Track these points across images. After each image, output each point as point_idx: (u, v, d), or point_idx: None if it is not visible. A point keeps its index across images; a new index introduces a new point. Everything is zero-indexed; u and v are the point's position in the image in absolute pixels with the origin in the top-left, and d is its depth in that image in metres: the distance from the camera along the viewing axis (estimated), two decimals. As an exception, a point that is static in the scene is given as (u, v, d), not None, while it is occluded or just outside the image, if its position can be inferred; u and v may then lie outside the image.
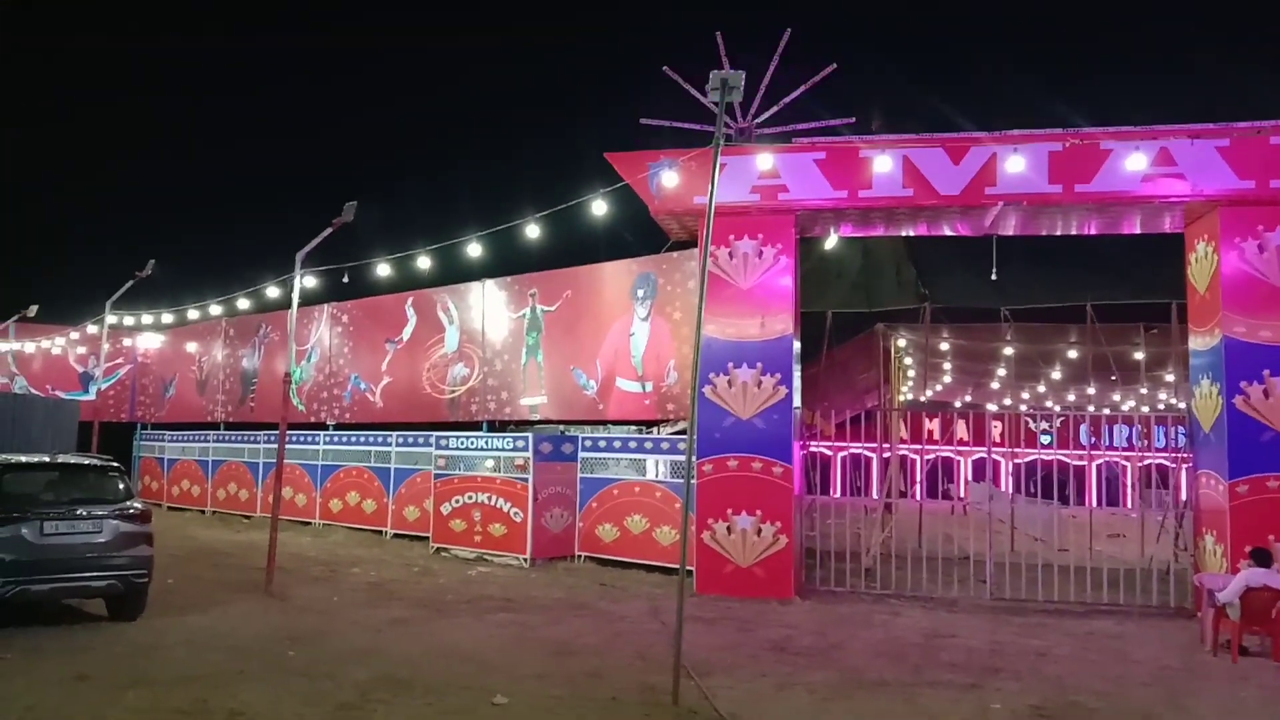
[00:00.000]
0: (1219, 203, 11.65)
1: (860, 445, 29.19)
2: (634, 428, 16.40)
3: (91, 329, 23.93)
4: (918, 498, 22.79)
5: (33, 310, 24.04)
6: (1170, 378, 22.27)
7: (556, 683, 8.07)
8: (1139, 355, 20.83)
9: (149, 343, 27.33)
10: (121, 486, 10.33)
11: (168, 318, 23.66)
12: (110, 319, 20.63)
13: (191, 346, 26.26)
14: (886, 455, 17.92)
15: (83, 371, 27.10)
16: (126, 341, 27.40)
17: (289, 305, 13.60)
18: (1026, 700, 7.93)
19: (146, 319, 24.14)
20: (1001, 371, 24.24)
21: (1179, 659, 9.55)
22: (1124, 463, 31.17)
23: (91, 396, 24.64)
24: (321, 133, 59.23)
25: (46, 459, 10.70)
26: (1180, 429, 12.96)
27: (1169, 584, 12.51)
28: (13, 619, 9.41)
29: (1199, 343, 12.27)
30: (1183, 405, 13.86)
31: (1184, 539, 13.24)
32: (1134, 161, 11.52)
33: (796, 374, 13.00)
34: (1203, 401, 12.06)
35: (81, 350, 26.87)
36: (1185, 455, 12.84)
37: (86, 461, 10.83)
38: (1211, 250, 11.85)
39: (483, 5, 65.18)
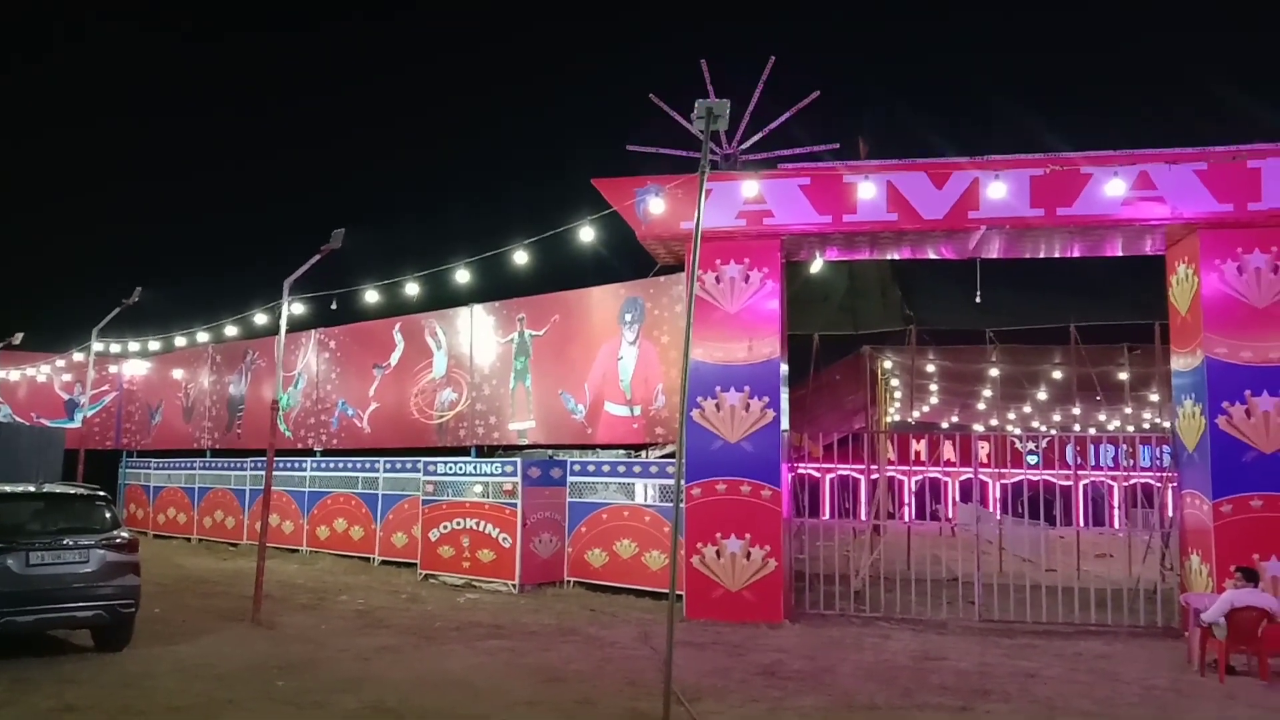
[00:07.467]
0: (1198, 225, 11.81)
1: (848, 467, 29.27)
2: (622, 452, 16.40)
3: (78, 356, 23.85)
4: (906, 519, 22.87)
5: (18, 338, 23.94)
6: (1155, 397, 22.43)
7: (547, 710, 8.06)
8: (1123, 375, 20.97)
9: (135, 370, 27.24)
10: (108, 515, 10.27)
11: (154, 345, 23.62)
12: (96, 346, 20.55)
13: (178, 373, 26.18)
14: (874, 477, 17.98)
15: (68, 399, 26.97)
16: (112, 369, 27.30)
17: (276, 332, 13.60)
18: (1016, 722, 7.96)
19: (133, 346, 24.09)
20: (987, 392, 24.37)
21: (1167, 679, 9.59)
22: (1110, 482, 31.30)
23: (77, 424, 24.46)
24: (311, 160, 59.30)
25: (32, 488, 10.62)
26: (1165, 448, 13.07)
27: (1156, 604, 12.59)
28: (-2, 651, 9.36)
29: (1181, 363, 12.40)
30: (1167, 425, 13.97)
31: (1170, 559, 13.31)
32: (1114, 186, 11.67)
33: (784, 397, 13.06)
34: (1186, 422, 12.18)
35: (67, 378, 26.76)
36: (1170, 475, 12.94)
37: (72, 491, 10.76)
38: (1192, 272, 12.00)
39: (470, 32, 65.65)
